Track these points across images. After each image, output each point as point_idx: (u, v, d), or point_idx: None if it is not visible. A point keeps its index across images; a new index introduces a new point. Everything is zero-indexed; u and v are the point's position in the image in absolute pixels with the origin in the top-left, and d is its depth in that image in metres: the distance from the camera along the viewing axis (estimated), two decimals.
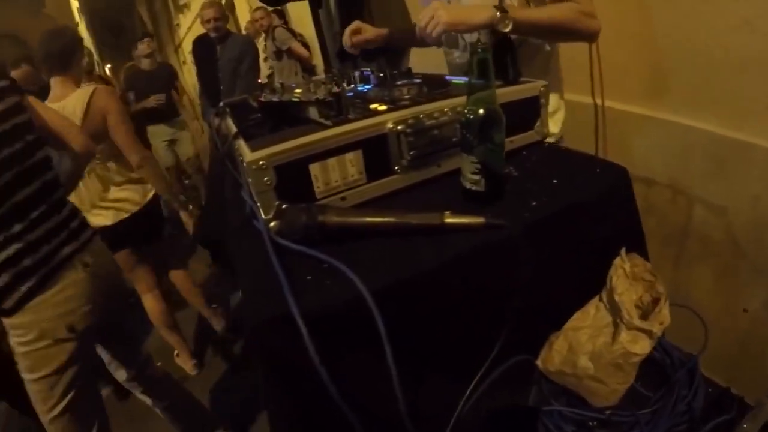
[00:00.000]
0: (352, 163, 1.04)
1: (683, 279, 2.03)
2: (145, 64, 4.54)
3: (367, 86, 1.50)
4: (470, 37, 1.64)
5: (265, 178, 0.95)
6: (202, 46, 3.67)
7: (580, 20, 1.34)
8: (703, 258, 1.95)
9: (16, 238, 1.40)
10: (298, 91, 1.57)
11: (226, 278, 3.55)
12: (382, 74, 1.58)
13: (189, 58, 7.24)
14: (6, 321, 1.47)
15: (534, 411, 0.93)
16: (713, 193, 1.85)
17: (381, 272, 0.84)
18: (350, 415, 0.76)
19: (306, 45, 4.68)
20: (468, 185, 1.03)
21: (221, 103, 1.86)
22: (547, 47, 1.67)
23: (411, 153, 1.10)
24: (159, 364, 2.14)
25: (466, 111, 0.98)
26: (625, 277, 0.94)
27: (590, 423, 0.86)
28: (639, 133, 2.18)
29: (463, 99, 1.14)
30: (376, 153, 1.07)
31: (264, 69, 4.65)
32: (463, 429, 0.94)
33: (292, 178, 0.98)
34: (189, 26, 8.67)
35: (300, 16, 5.37)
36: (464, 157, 1.02)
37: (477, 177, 1.01)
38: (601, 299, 0.96)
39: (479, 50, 0.93)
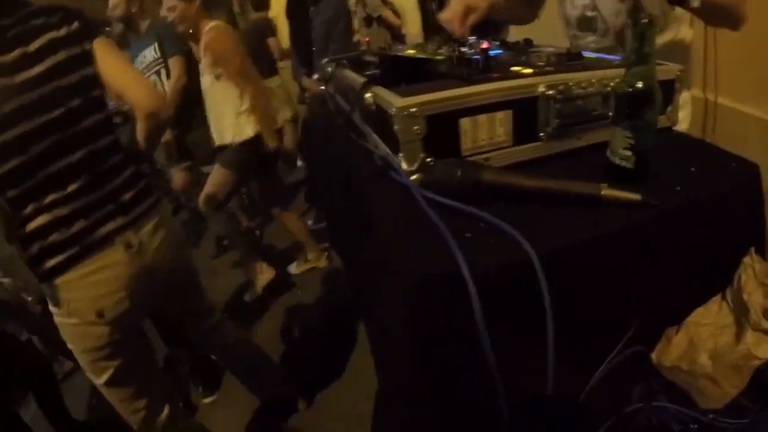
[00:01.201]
0: (502, 122, 0.97)
1: None
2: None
3: (493, 52, 1.43)
4: (612, 19, 1.55)
5: (415, 127, 0.90)
6: (295, 6, 3.64)
7: (740, 5, 1.27)
8: None
9: (45, 210, 1.28)
10: (410, 51, 1.52)
11: None
12: (499, 42, 1.51)
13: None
14: (43, 289, 1.38)
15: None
16: None
17: (540, 238, 0.77)
18: (498, 385, 0.71)
19: (396, 13, 4.60)
20: (617, 160, 0.96)
21: (325, 60, 1.82)
22: (688, 39, 1.56)
23: (557, 120, 1.04)
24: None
25: (624, 83, 0.92)
26: (754, 277, 0.89)
27: (692, 425, 0.82)
28: (749, 133, 2.03)
29: (607, 72, 1.09)
30: (525, 116, 1.01)
31: None
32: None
33: (440, 131, 0.92)
34: None
35: None
36: (617, 131, 0.95)
37: (628, 153, 0.94)
38: (724, 297, 0.92)
39: (643, 22, 0.86)
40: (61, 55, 1.29)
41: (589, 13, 1.54)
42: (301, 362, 2.66)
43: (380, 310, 0.96)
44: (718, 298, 0.92)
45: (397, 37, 4.47)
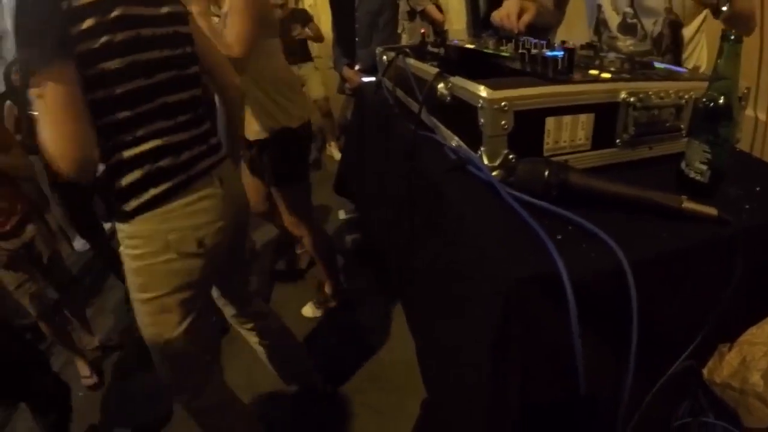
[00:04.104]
0: (584, 125, 0.96)
1: None
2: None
3: (556, 53, 1.42)
4: (649, 27, 1.57)
5: (503, 122, 0.88)
6: None
7: (754, 17, 1.37)
8: None
9: (158, 134, 1.31)
10: (469, 45, 1.51)
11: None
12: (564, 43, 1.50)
13: (310, 11, 7.27)
14: (123, 229, 1.35)
15: None
16: None
17: (627, 246, 0.76)
18: (583, 389, 0.71)
19: (439, 8, 4.57)
20: (692, 174, 0.95)
21: (380, 48, 1.81)
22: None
23: (633, 128, 1.03)
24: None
25: (707, 96, 0.90)
26: None
27: None
28: None
29: (683, 84, 1.08)
30: (605, 121, 1.00)
31: None
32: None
33: (526, 128, 0.91)
34: None
35: None
36: (695, 144, 0.93)
37: (704, 167, 0.93)
38: None
39: (731, 38, 0.85)
40: (178, 7, 1.40)
41: (630, 20, 1.57)
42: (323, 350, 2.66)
43: (448, 313, 0.95)
44: None
45: (439, 32, 4.45)
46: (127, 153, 1.28)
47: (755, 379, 0.82)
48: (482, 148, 0.92)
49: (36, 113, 1.12)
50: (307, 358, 2.25)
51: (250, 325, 1.95)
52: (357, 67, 3.34)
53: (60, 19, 1.12)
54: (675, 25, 1.53)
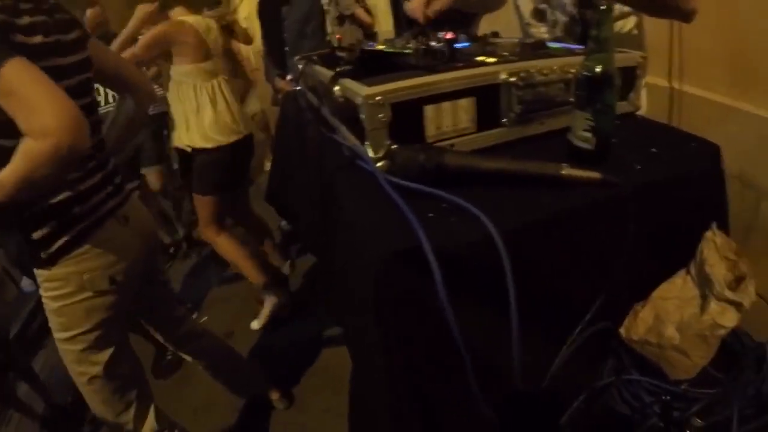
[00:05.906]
0: (465, 110, 1.00)
1: None
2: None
3: (460, 44, 1.47)
4: (559, 12, 1.59)
5: (381, 115, 0.92)
6: (267, 6, 3.62)
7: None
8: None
9: (69, 186, 1.33)
10: (380, 46, 1.55)
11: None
12: (467, 35, 1.54)
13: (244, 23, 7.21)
14: (41, 273, 1.39)
15: None
16: None
17: (501, 216, 0.80)
18: (465, 358, 0.74)
19: (368, 12, 4.62)
20: (577, 142, 1.00)
21: (296, 57, 1.84)
22: (636, 31, 1.59)
23: (519, 107, 1.07)
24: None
25: (584, 68, 0.95)
26: (716, 250, 0.92)
27: (664, 397, 0.85)
28: (714, 121, 2.07)
29: (568, 60, 1.13)
30: (488, 103, 1.04)
31: None
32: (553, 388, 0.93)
33: (405, 118, 0.95)
34: None
35: None
36: (577, 114, 0.98)
37: (588, 134, 0.97)
38: (688, 272, 0.94)
39: (601, 9, 0.90)
40: (84, 53, 1.39)
41: (540, 6, 1.60)
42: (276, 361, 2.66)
43: (349, 295, 0.98)
44: (682, 272, 0.95)
45: (370, 35, 4.49)
46: (39, 207, 1.30)
47: (671, 333, 0.86)
48: (366, 142, 0.96)
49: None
50: (254, 370, 2.27)
51: (185, 349, 1.97)
52: (289, 77, 3.36)
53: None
54: (583, 5, 1.49)
